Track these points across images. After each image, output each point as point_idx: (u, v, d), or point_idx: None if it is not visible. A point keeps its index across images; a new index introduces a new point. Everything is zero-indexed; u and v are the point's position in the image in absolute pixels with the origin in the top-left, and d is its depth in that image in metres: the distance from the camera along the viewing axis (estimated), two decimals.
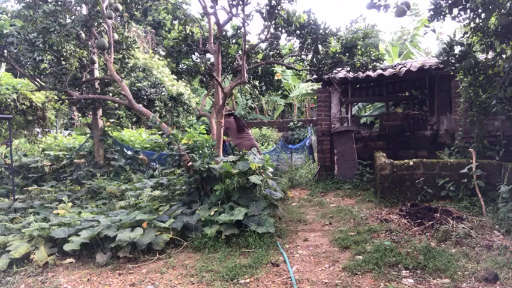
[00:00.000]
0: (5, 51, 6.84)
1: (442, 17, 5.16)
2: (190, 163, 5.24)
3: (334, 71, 8.27)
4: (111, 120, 9.22)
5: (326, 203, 6.61)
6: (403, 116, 8.71)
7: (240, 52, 7.69)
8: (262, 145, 14.38)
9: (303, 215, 5.77)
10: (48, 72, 7.11)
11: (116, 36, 7.45)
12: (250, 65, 7.56)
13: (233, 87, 6.73)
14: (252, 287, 3.32)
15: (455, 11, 5.07)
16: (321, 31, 7.00)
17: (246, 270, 3.59)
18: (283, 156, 11.44)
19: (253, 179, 4.89)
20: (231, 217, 4.48)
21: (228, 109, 8.66)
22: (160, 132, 5.70)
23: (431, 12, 5.17)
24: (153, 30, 20.00)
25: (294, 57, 8.07)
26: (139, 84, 13.09)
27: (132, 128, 12.25)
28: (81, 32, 6.88)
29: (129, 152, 8.68)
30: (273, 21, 6.71)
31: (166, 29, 21.74)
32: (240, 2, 5.98)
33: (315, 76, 8.44)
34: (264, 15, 6.54)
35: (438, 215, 4.77)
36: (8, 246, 4.14)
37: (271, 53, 7.71)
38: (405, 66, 8.42)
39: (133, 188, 6.68)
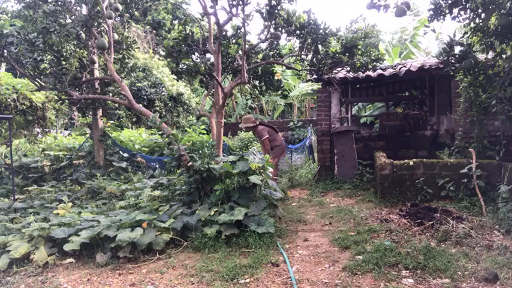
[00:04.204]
0: (5, 51, 6.84)
1: (442, 17, 5.16)
2: (190, 163, 5.24)
3: (334, 71, 8.26)
4: (111, 122, 9.23)
5: (326, 203, 6.61)
6: (403, 116, 8.70)
7: (240, 52, 7.69)
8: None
9: (303, 215, 5.77)
10: (48, 72, 7.11)
11: (116, 36, 7.45)
12: (250, 65, 7.56)
13: (233, 87, 6.73)
14: (252, 287, 3.32)
15: (455, 11, 5.07)
16: (321, 31, 7.00)
17: (246, 270, 3.59)
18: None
19: (253, 179, 4.89)
20: (231, 217, 4.48)
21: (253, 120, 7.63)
22: (160, 132, 5.71)
23: (431, 12, 5.17)
24: (153, 30, 20.00)
25: (294, 57, 8.07)
26: (140, 84, 13.09)
27: (132, 128, 12.24)
28: (81, 32, 6.88)
29: (125, 154, 8.69)
30: (273, 21, 6.71)
31: (166, 29, 21.73)
32: (240, 2, 5.98)
33: (315, 76, 8.44)
34: (264, 15, 6.54)
35: (438, 215, 4.77)
36: (8, 246, 4.14)
37: (271, 53, 7.71)
38: (405, 66, 8.42)
39: (133, 188, 6.69)
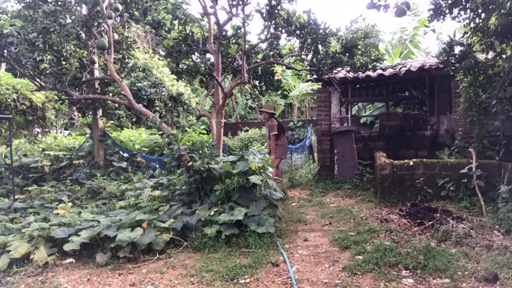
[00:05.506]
0: (5, 51, 6.84)
1: (442, 17, 5.16)
2: (190, 163, 5.24)
3: (334, 71, 8.26)
4: (111, 122, 9.22)
5: (326, 203, 6.61)
6: (403, 116, 8.70)
7: (240, 52, 7.69)
8: (262, 145, 14.38)
9: (303, 215, 5.77)
10: (48, 72, 7.10)
11: (116, 36, 7.45)
12: (250, 65, 7.56)
13: (233, 87, 6.73)
14: (252, 287, 3.32)
15: (455, 11, 5.07)
16: (321, 31, 6.99)
17: (246, 270, 3.59)
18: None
19: (253, 179, 4.89)
20: (231, 217, 4.47)
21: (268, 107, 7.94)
22: (160, 132, 5.71)
23: (431, 12, 5.17)
24: (153, 30, 20.00)
25: (294, 57, 8.06)
26: (140, 84, 13.09)
27: (132, 128, 12.25)
28: (81, 32, 6.88)
29: (125, 154, 8.69)
30: (273, 21, 6.71)
31: (166, 29, 21.74)
32: (240, 2, 5.97)
33: (315, 76, 8.44)
34: (264, 15, 6.54)
35: (438, 215, 4.77)
36: (8, 246, 4.14)
37: (271, 53, 7.70)
38: (405, 66, 8.42)
39: (133, 188, 6.69)
